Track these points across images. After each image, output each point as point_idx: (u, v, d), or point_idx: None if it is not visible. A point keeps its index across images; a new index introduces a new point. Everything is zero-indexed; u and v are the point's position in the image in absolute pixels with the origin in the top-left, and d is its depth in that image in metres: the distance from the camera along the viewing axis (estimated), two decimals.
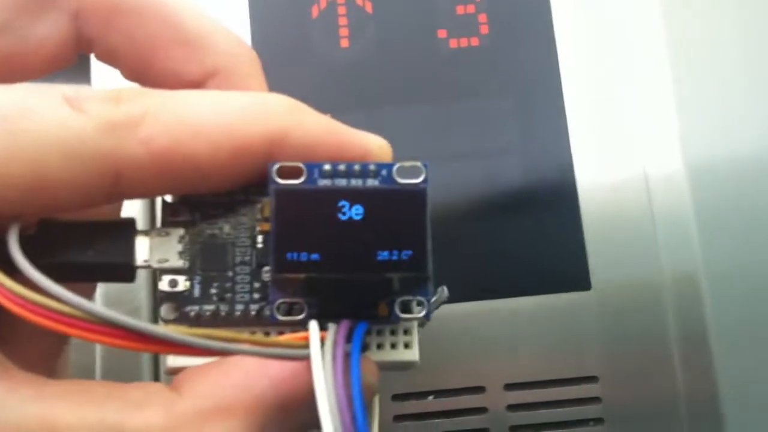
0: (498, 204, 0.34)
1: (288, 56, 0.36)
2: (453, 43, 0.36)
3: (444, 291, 0.22)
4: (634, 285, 0.34)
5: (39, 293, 0.18)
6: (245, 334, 0.20)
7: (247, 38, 0.36)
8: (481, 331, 0.34)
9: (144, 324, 0.18)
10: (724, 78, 0.35)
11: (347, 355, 0.19)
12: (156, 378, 0.33)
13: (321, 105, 0.35)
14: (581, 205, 0.34)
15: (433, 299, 0.21)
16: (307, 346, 0.19)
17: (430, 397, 0.33)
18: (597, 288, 0.34)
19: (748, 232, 0.34)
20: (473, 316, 0.33)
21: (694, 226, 0.34)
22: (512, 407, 0.33)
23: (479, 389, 0.33)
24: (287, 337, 0.20)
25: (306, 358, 0.19)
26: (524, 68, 0.36)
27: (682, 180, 0.34)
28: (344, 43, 0.36)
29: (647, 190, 0.34)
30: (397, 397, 0.33)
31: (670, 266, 0.34)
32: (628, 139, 0.35)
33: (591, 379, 0.33)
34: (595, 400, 0.33)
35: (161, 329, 0.19)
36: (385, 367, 0.22)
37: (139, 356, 0.33)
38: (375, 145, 0.21)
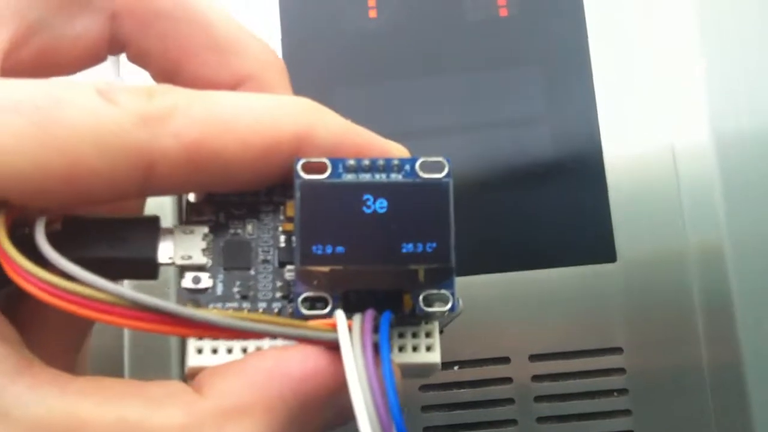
0: (524, 175, 0.34)
1: (317, 27, 0.35)
2: (481, 13, 0.36)
3: (460, 303, 0.22)
4: (659, 256, 0.34)
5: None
6: (274, 316, 0.20)
7: (275, 10, 0.35)
8: (506, 302, 0.34)
9: (181, 307, 0.19)
10: (753, 49, 0.35)
11: (376, 346, 0.19)
12: (183, 369, 0.34)
13: (350, 75, 0.35)
14: (607, 177, 0.34)
15: (451, 307, 0.21)
16: (334, 331, 0.20)
17: (456, 368, 0.34)
18: (622, 260, 0.34)
19: None
20: (498, 287, 0.34)
21: (720, 198, 0.34)
22: (537, 378, 0.34)
23: (504, 360, 0.34)
24: (315, 322, 0.20)
25: (334, 341, 0.20)
26: (552, 39, 0.35)
27: (708, 151, 0.34)
28: (372, 13, 0.36)
29: (674, 162, 0.34)
30: None
31: (695, 238, 0.34)
32: (656, 110, 0.35)
33: (615, 350, 0.33)
34: (619, 371, 0.33)
35: (200, 312, 0.19)
36: (407, 372, 0.22)
37: (167, 349, 0.34)
38: (396, 150, 0.22)
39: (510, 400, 0.33)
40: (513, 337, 0.34)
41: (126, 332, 0.33)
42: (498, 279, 0.34)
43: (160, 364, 0.33)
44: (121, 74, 0.33)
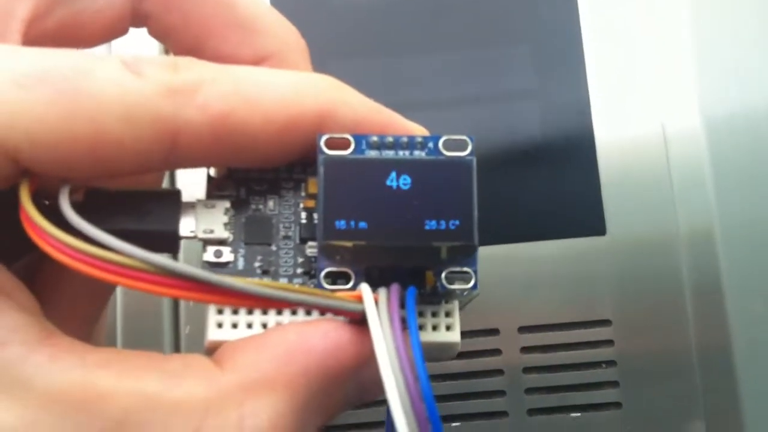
0: (515, 152, 0.35)
1: (306, 3, 0.35)
2: None
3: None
4: (649, 234, 0.34)
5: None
6: (303, 287, 0.20)
7: None
8: (496, 275, 0.34)
9: (210, 274, 0.19)
10: (743, 34, 0.35)
11: (403, 319, 0.19)
12: (176, 343, 0.34)
13: (338, 50, 0.35)
14: (599, 157, 0.34)
15: (473, 285, 0.21)
16: (361, 303, 0.20)
17: None
18: (612, 234, 0.34)
19: (763, 187, 0.34)
20: (489, 260, 0.34)
21: (710, 180, 0.34)
22: (526, 349, 0.34)
23: (493, 331, 0.34)
24: (341, 294, 0.20)
25: (361, 313, 0.20)
26: (545, 21, 0.35)
27: (699, 134, 0.35)
28: None
29: (664, 144, 0.35)
30: None
31: (685, 217, 0.34)
32: (647, 93, 0.35)
33: (604, 322, 0.34)
34: (607, 342, 0.34)
35: (228, 279, 0.19)
36: (425, 352, 0.22)
37: (160, 323, 0.34)
38: (418, 131, 0.22)
39: (499, 371, 0.34)
40: (502, 309, 0.34)
41: (118, 311, 0.33)
42: (488, 251, 0.34)
43: (153, 337, 0.33)
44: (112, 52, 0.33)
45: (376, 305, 0.19)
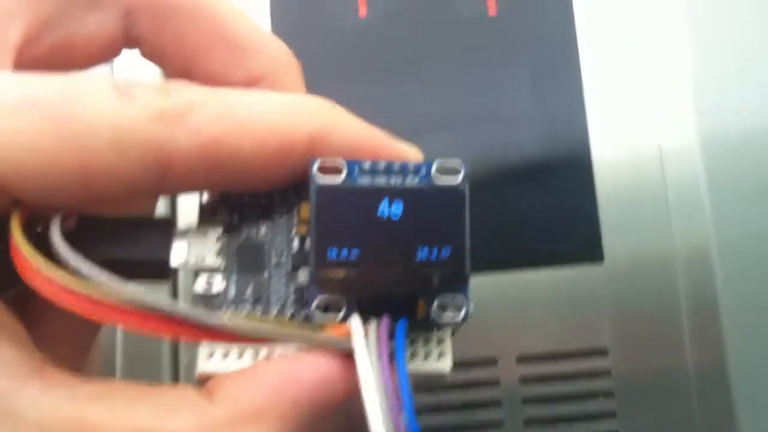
0: (512, 175, 0.34)
1: (306, 25, 0.35)
2: (470, 11, 0.36)
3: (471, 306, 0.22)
4: (646, 258, 0.34)
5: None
6: (288, 322, 0.20)
7: (266, 8, 0.35)
8: (493, 303, 0.34)
9: (203, 316, 0.19)
10: (740, 52, 0.35)
11: (392, 354, 0.19)
12: (175, 369, 0.33)
13: (338, 73, 0.35)
14: (595, 178, 0.34)
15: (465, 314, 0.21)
16: (349, 338, 0.20)
17: None
18: (610, 260, 0.34)
19: (760, 207, 0.34)
20: (486, 288, 0.34)
21: (707, 200, 0.34)
22: (524, 380, 0.34)
23: (492, 361, 0.34)
24: (329, 329, 0.20)
25: (349, 349, 0.19)
26: (541, 39, 0.35)
27: (695, 153, 0.35)
28: (362, 11, 0.36)
29: (661, 163, 0.34)
30: None
31: (682, 240, 0.34)
32: (643, 112, 0.35)
33: (601, 352, 0.33)
34: (605, 374, 0.33)
35: (218, 320, 0.19)
36: (416, 380, 0.21)
37: (159, 349, 0.33)
38: (411, 154, 0.22)
39: (497, 402, 0.33)
40: (500, 338, 0.34)
41: (118, 332, 0.33)
42: (485, 279, 0.34)
43: (152, 364, 0.33)
44: (114, 72, 0.33)
45: (366, 339, 0.19)
